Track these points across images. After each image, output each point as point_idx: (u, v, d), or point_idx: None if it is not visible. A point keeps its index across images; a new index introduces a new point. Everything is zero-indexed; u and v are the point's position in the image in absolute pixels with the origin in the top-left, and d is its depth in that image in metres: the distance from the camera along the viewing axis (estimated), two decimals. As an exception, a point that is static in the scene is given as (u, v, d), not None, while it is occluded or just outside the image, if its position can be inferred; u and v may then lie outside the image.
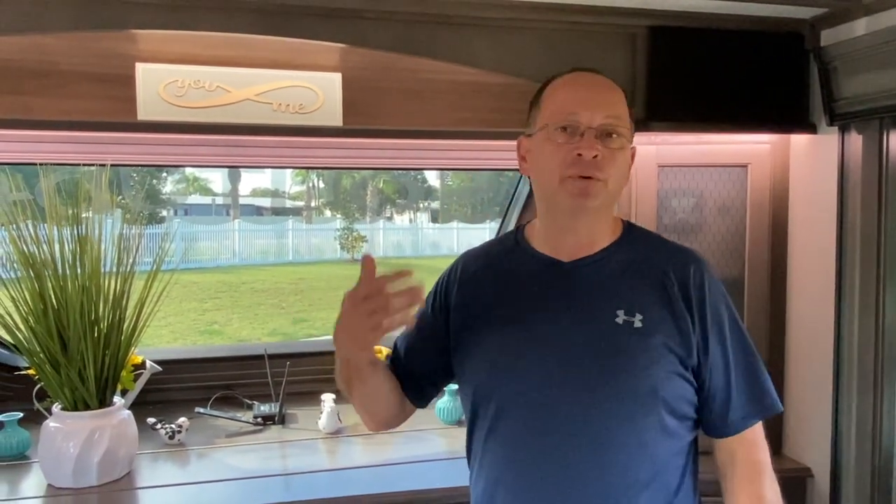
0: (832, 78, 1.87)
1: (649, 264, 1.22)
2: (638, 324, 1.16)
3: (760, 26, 1.92)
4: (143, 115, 1.72)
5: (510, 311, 1.23)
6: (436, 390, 1.39)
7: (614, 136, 1.16)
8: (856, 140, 1.84)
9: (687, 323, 1.17)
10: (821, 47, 1.88)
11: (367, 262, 1.08)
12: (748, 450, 1.23)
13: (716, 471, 1.26)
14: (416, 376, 1.35)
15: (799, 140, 2.02)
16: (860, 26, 1.77)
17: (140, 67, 1.71)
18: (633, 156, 1.24)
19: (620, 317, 1.17)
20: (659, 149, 2.02)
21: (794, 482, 2.00)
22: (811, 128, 1.97)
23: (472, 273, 1.31)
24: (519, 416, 1.18)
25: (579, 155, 1.14)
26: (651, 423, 1.15)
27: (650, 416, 1.15)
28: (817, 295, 1.96)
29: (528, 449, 1.17)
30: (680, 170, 2.05)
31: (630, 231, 1.28)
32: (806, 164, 2.01)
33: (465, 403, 1.29)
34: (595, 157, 1.14)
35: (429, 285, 1.33)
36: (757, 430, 1.24)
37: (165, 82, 1.72)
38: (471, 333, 1.26)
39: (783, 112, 1.97)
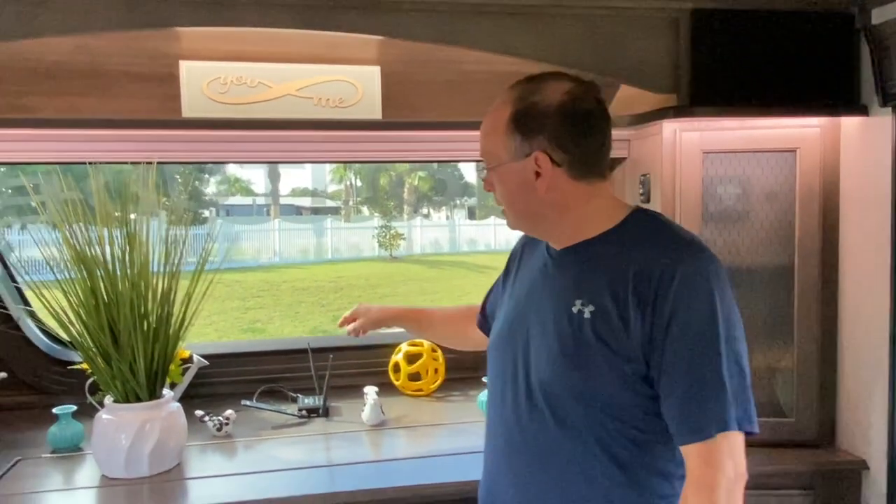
0: (885, 58, 1.81)
1: (623, 256, 1.17)
2: (587, 315, 1.17)
3: (807, 6, 1.87)
4: (187, 112, 1.75)
5: (514, 294, 1.37)
6: None
7: (485, 171, 1.29)
8: (910, 121, 1.78)
9: (636, 322, 1.12)
10: (872, 26, 1.82)
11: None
12: (695, 465, 1.10)
13: None
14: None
15: (850, 123, 1.96)
16: (914, 3, 1.71)
17: (184, 65, 1.74)
18: (536, 161, 1.19)
19: (577, 306, 1.19)
20: (703, 135, 1.98)
21: (848, 475, 1.95)
22: (863, 110, 1.90)
23: (518, 249, 1.48)
24: (494, 395, 1.34)
25: None
26: (591, 416, 1.17)
27: (590, 409, 1.17)
28: (871, 282, 1.90)
29: (496, 432, 1.32)
30: (725, 156, 2.00)
31: (628, 222, 1.23)
32: (857, 148, 1.95)
33: None
34: (489, 190, 1.30)
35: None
36: (712, 447, 1.08)
37: (209, 79, 1.75)
38: (496, 307, 1.47)
39: (833, 94, 1.91)
